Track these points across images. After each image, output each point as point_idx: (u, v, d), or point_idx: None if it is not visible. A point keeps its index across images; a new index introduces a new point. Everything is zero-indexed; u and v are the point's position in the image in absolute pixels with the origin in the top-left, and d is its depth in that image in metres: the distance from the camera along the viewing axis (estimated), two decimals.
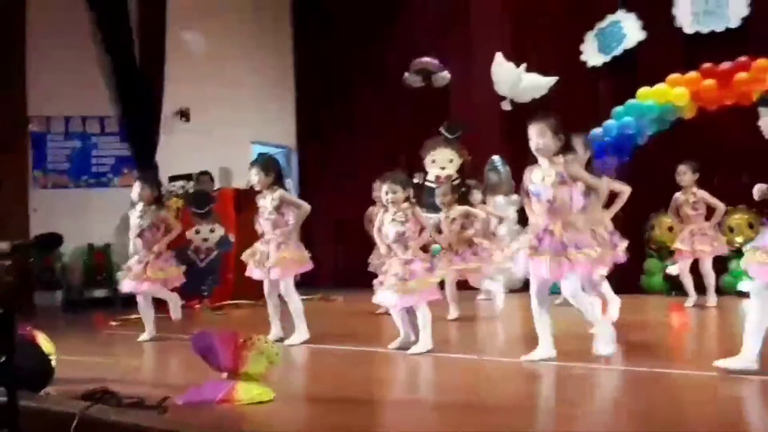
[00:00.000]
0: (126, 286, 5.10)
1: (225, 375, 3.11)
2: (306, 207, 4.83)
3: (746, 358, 3.07)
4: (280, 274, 4.64)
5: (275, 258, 4.62)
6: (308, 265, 4.81)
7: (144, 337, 5.06)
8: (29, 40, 7.68)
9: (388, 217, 4.22)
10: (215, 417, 2.64)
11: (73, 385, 3.19)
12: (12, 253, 1.83)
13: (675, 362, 3.83)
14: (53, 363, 3.31)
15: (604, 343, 3.57)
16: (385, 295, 4.12)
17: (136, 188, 5.15)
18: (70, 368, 3.55)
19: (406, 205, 4.20)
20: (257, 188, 4.80)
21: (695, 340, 5.06)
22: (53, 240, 1.94)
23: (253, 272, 4.77)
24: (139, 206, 5.13)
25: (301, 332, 4.66)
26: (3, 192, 7.24)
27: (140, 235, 5.09)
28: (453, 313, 5.62)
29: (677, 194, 6.14)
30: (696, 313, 5.84)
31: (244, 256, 4.84)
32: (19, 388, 1.97)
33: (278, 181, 4.78)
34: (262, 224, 4.78)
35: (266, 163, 4.85)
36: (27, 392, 2.27)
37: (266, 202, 4.75)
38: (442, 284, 4.80)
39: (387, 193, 4.21)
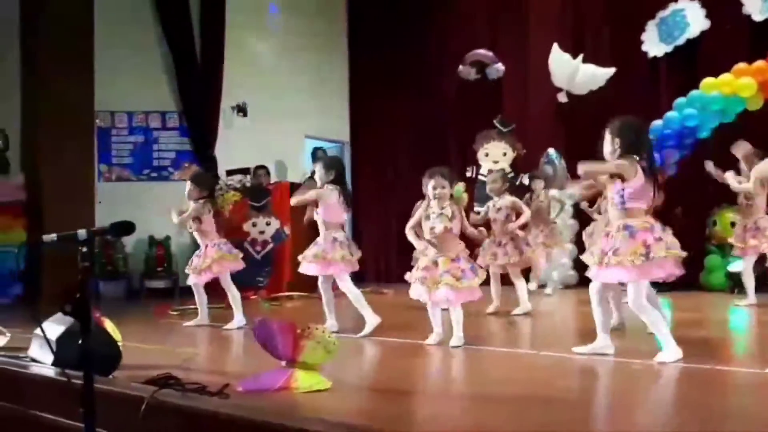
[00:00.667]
0: (189, 279, 5.35)
1: (284, 363, 3.18)
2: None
3: None
4: (332, 271, 4.74)
5: (332, 256, 4.69)
6: (356, 266, 4.85)
7: (191, 322, 5.31)
8: (97, 37, 7.96)
9: (435, 211, 4.21)
10: (276, 403, 2.70)
11: (137, 371, 3.31)
12: (89, 240, 1.93)
13: (732, 360, 3.70)
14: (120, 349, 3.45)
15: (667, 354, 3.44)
16: (436, 291, 4.09)
17: (186, 187, 5.39)
18: (133, 355, 3.67)
19: (449, 202, 4.22)
20: (318, 184, 4.86)
21: (756, 339, 4.88)
22: (126, 227, 2.02)
23: (309, 268, 4.80)
24: (190, 203, 5.33)
25: (369, 318, 4.69)
26: (71, 185, 7.55)
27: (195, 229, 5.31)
28: (495, 304, 5.65)
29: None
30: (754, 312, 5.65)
31: (308, 254, 4.83)
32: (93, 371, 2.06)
33: (338, 179, 4.84)
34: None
35: (328, 162, 4.95)
36: (98, 376, 2.36)
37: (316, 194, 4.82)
38: None
39: (435, 188, 4.21)
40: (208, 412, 2.33)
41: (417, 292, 4.20)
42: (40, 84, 7.60)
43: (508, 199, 5.72)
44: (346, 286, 4.78)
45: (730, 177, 5.73)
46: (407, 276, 4.32)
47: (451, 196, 4.28)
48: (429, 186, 4.25)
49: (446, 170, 4.34)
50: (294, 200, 5.01)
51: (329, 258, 4.68)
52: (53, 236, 1.97)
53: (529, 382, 3.29)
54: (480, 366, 3.81)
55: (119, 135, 8.51)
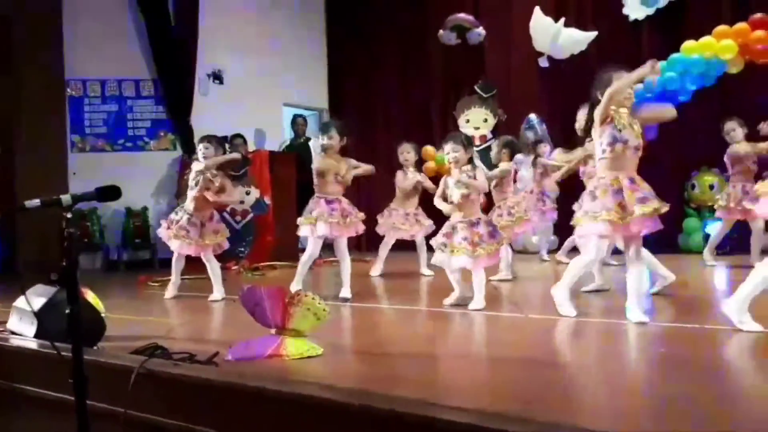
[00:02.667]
0: (181, 248, 5.08)
1: (273, 331, 3.14)
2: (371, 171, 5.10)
3: None
4: (353, 233, 4.85)
5: (351, 219, 4.77)
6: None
7: (168, 293, 5.18)
8: (66, 4, 7.69)
9: (452, 180, 4.21)
10: (269, 370, 2.66)
11: (123, 342, 3.25)
12: (73, 206, 1.84)
13: (703, 318, 3.76)
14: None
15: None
16: (454, 258, 4.11)
17: (201, 149, 5.15)
18: (116, 326, 3.61)
19: (469, 167, 4.22)
20: (329, 151, 4.80)
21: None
22: (112, 192, 1.94)
23: (319, 229, 4.74)
24: (199, 165, 5.14)
25: (347, 291, 4.77)
26: (43, 156, 7.35)
27: (197, 195, 5.09)
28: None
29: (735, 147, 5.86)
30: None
31: (309, 217, 4.79)
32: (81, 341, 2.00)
33: (345, 147, 4.91)
34: (332, 185, 4.81)
35: (342, 128, 4.90)
36: (84, 346, 2.29)
37: (342, 166, 4.80)
38: None
39: (449, 153, 4.21)
40: (201, 380, 2.28)
41: (438, 258, 4.22)
42: (7, 53, 7.33)
43: (504, 166, 5.70)
44: (346, 253, 4.86)
45: None
46: (431, 241, 4.36)
47: (470, 160, 4.26)
48: (444, 152, 4.26)
49: (461, 134, 4.45)
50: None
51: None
52: (36, 201, 1.87)
53: (520, 343, 3.31)
54: (471, 329, 3.81)
55: (92, 104, 8.26)
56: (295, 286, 4.77)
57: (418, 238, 6.27)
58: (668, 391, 2.33)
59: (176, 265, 5.22)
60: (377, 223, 6.32)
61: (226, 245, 5.26)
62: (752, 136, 5.83)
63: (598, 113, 3.57)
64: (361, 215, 4.89)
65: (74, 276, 1.85)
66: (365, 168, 5.05)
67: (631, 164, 3.56)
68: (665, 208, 3.50)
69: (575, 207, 3.89)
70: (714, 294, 5.05)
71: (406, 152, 6.18)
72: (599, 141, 3.58)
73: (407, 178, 6.15)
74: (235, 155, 5.82)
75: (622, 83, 3.55)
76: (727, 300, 3.30)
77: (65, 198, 1.85)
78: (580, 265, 3.79)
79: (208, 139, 5.28)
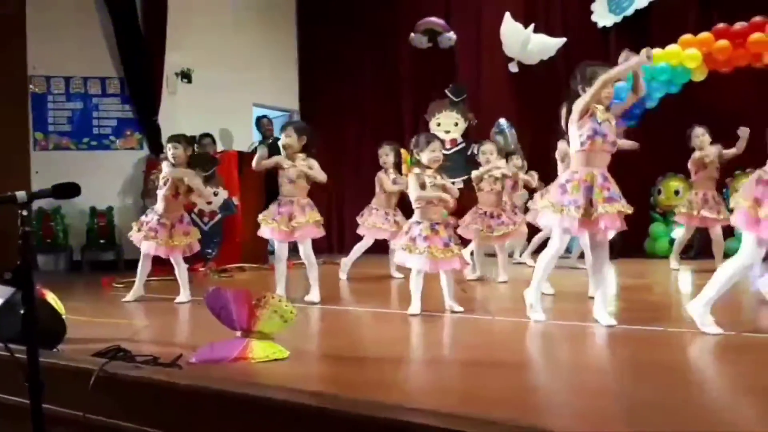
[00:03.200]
0: (149, 248, 4.99)
1: (239, 333, 3.09)
2: (323, 180, 4.84)
3: None
4: (306, 236, 4.72)
5: (302, 220, 4.68)
6: (322, 232, 4.86)
7: (129, 296, 5.07)
8: None
9: (429, 180, 4.18)
10: (235, 373, 2.62)
11: (83, 344, 3.18)
12: (29, 203, 1.78)
13: (667, 321, 3.82)
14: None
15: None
16: (416, 259, 4.07)
17: (170, 149, 5.06)
18: (78, 328, 3.53)
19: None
20: (288, 150, 4.77)
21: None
22: (71, 189, 1.88)
23: (273, 233, 4.76)
24: (166, 167, 5.06)
25: (315, 294, 4.74)
26: (5, 154, 7.16)
27: (167, 196, 5.01)
28: (472, 274, 5.73)
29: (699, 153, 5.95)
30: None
31: (264, 217, 4.81)
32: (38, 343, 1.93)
33: (308, 147, 4.79)
34: (286, 186, 4.77)
35: (301, 128, 4.86)
36: (42, 349, 2.22)
37: (298, 165, 4.75)
38: None
39: (434, 151, 4.19)
40: (164, 383, 2.23)
41: (401, 258, 4.20)
42: None
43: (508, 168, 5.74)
44: (313, 257, 4.81)
45: None
46: (393, 243, 4.33)
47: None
48: (427, 152, 4.20)
49: (437, 136, 4.43)
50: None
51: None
52: None
53: (488, 345, 3.31)
54: (440, 331, 3.81)
55: (56, 102, 8.07)
56: (278, 290, 4.72)
57: (394, 239, 6.27)
58: (632, 393, 2.35)
59: (141, 269, 5.11)
60: (352, 224, 6.33)
61: (197, 247, 5.18)
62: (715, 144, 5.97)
63: (581, 104, 3.54)
64: (315, 218, 4.76)
65: (29, 276, 1.78)
66: (316, 172, 4.80)
67: (604, 160, 3.58)
68: (629, 210, 3.53)
69: (537, 195, 3.91)
70: (678, 297, 5.13)
71: (385, 154, 6.16)
72: (578, 133, 3.56)
73: (389, 179, 6.11)
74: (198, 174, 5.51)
75: (618, 70, 3.56)
76: (691, 301, 3.35)
77: (20, 195, 1.79)
78: (546, 258, 3.75)
79: (177, 138, 5.20)
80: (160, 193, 5.05)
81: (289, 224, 4.68)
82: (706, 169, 5.93)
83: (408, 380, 2.72)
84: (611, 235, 3.70)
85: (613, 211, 3.45)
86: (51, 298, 3.51)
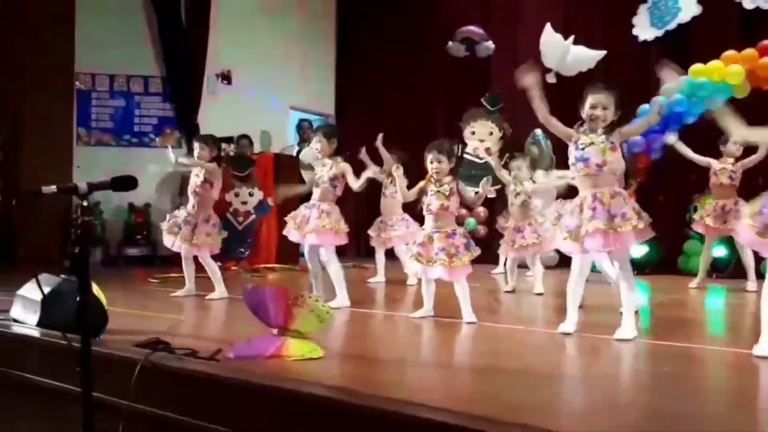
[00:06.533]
0: (170, 242, 5.09)
1: (275, 331, 3.14)
2: (356, 188, 4.78)
3: None
4: (317, 240, 4.70)
5: (314, 224, 4.68)
6: (343, 239, 4.80)
7: (179, 292, 5.14)
8: None
9: (432, 188, 4.13)
10: (270, 369, 2.66)
11: (124, 335, 3.25)
12: (89, 194, 1.85)
13: (704, 339, 3.80)
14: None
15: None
16: (429, 269, 4.07)
17: (196, 148, 5.16)
18: (117, 320, 3.60)
19: (449, 178, 4.13)
20: (318, 155, 4.80)
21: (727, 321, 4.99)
22: (129, 182, 1.95)
23: (291, 233, 4.84)
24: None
25: (341, 298, 4.70)
26: (49, 147, 7.36)
27: (194, 193, 5.11)
28: (510, 285, 5.69)
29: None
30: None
31: (288, 217, 4.88)
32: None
33: (340, 151, 4.79)
34: (314, 190, 4.82)
35: (331, 132, 4.87)
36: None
37: (324, 170, 4.77)
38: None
39: (432, 162, 4.13)
40: (204, 375, 2.29)
41: (413, 268, 4.21)
42: (18, 43, 7.36)
43: (528, 186, 5.62)
44: (330, 261, 4.77)
45: None
46: (405, 250, 4.33)
47: (455, 170, 4.19)
48: (427, 161, 4.18)
49: (446, 144, 4.23)
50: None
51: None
52: (53, 188, 1.88)
53: (515, 355, 3.32)
54: (468, 339, 3.82)
55: (100, 98, 8.29)
56: (314, 290, 4.79)
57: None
58: (647, 403, 2.36)
59: (186, 269, 5.18)
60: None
61: (216, 250, 5.18)
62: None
63: (567, 133, 3.65)
64: (325, 224, 4.68)
65: (86, 264, 1.85)
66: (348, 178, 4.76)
67: (599, 182, 3.51)
68: (619, 228, 3.40)
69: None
70: (704, 315, 5.08)
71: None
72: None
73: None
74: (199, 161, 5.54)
75: (633, 130, 3.72)
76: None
77: (81, 185, 1.86)
78: (570, 283, 3.71)
79: (203, 138, 5.28)
80: (189, 189, 5.17)
81: (304, 227, 4.71)
82: (717, 179, 5.90)
83: (437, 383, 2.74)
84: (630, 251, 3.66)
85: (591, 229, 3.41)
86: (94, 288, 3.61)
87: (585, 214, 3.48)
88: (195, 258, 5.19)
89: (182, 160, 5.31)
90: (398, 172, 4.40)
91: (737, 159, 5.92)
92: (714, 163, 5.91)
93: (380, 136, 5.90)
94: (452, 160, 4.17)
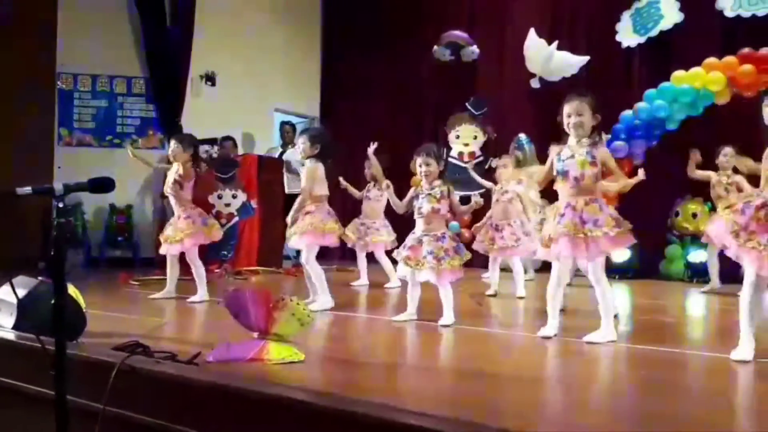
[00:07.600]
0: (163, 249, 5.14)
1: (256, 334, 3.12)
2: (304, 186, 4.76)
3: None
4: (299, 241, 4.70)
5: (297, 227, 4.68)
6: (331, 240, 4.79)
7: (158, 294, 5.10)
8: None
9: (423, 192, 4.16)
10: (251, 373, 2.64)
11: (103, 338, 3.21)
12: (65, 195, 1.83)
13: (675, 342, 3.83)
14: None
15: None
16: (418, 272, 4.09)
17: (171, 146, 5.13)
18: (96, 322, 3.56)
19: (439, 182, 4.15)
20: (300, 156, 4.81)
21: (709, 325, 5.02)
22: (106, 183, 1.92)
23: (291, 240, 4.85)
24: (174, 165, 5.13)
25: (324, 300, 4.69)
26: (30, 148, 7.26)
27: (168, 194, 5.10)
28: (493, 288, 5.68)
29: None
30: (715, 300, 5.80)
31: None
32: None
33: (322, 155, 4.74)
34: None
35: (316, 136, 4.86)
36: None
37: (303, 172, 4.80)
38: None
39: (421, 166, 4.15)
40: (182, 379, 2.26)
41: (402, 271, 4.21)
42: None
43: (517, 187, 5.60)
44: (310, 263, 4.75)
45: None
46: (394, 254, 4.31)
47: (441, 174, 4.19)
48: (416, 164, 4.19)
49: (434, 147, 4.24)
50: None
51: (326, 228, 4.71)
52: (28, 189, 1.85)
53: (496, 358, 3.32)
54: (449, 342, 3.82)
55: (82, 99, 8.21)
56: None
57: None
58: (626, 407, 2.37)
59: (170, 270, 5.14)
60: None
61: (202, 239, 5.13)
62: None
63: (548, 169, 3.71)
64: (301, 229, 4.68)
65: (62, 266, 1.82)
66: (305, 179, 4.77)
67: (576, 192, 3.53)
68: (587, 233, 3.42)
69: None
70: (689, 320, 5.11)
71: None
72: None
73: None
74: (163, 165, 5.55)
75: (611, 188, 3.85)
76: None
77: (58, 187, 1.83)
78: (549, 290, 3.73)
79: (180, 138, 5.26)
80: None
81: (289, 230, 4.73)
82: (716, 191, 5.95)
83: (420, 386, 2.74)
84: (603, 258, 3.65)
85: (557, 235, 3.47)
86: (72, 290, 3.56)
87: (556, 220, 3.54)
88: (182, 260, 5.15)
89: (157, 166, 5.28)
90: (389, 190, 4.51)
91: (735, 171, 5.97)
92: (713, 176, 5.96)
93: (374, 145, 5.92)
94: (441, 163, 4.19)
